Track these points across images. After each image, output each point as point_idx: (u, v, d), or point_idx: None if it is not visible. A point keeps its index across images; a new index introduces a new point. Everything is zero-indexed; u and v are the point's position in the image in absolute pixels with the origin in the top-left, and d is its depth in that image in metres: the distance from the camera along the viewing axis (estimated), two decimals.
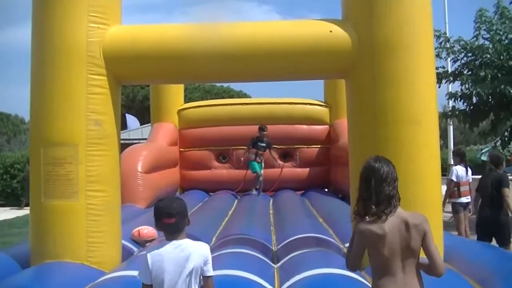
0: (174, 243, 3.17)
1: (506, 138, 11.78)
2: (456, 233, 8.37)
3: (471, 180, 8.90)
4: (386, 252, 2.95)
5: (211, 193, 11.99)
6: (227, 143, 11.98)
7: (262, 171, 11.34)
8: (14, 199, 19.11)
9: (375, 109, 4.97)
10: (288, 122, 11.89)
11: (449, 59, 12.19)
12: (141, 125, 24.56)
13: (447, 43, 11.56)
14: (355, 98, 5.30)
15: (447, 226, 6.68)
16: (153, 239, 6.38)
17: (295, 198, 10.74)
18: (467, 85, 11.31)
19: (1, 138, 43.93)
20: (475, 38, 11.46)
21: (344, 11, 5.45)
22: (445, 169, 16.83)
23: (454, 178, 8.61)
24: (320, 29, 5.31)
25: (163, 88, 11.74)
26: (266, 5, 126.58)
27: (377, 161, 3.08)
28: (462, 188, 8.63)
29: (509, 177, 7.96)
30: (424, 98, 5.00)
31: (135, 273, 3.35)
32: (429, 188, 4.95)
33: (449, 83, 11.90)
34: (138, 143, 13.10)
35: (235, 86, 40.13)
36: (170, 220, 3.15)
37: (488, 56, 11.09)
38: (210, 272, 3.21)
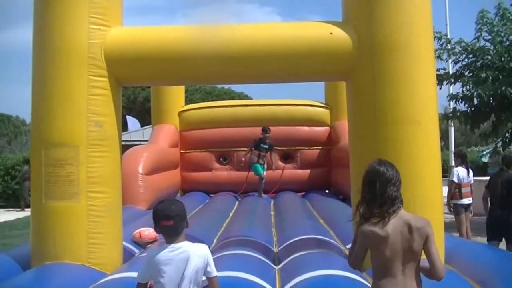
0: (174, 246, 3.16)
1: (507, 140, 11.75)
2: (457, 234, 8.36)
3: (472, 182, 8.90)
4: (387, 253, 2.95)
5: (212, 195, 11.98)
6: (228, 144, 11.98)
7: (264, 173, 11.34)
8: (15, 201, 19.10)
9: (375, 109, 4.97)
10: (289, 124, 11.89)
11: (450, 60, 12.17)
12: (142, 126, 24.60)
13: (448, 45, 11.55)
14: (355, 99, 5.30)
15: (448, 227, 6.66)
16: (154, 241, 6.37)
17: (296, 200, 10.72)
18: (468, 87, 11.30)
19: (2, 139, 43.96)
20: (476, 40, 11.45)
21: (344, 13, 5.46)
22: (446, 171, 16.85)
23: (455, 180, 8.61)
24: (321, 31, 5.31)
25: (164, 89, 11.74)
26: (268, 6, 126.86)
27: (381, 164, 3.08)
28: (463, 190, 8.64)
29: None
30: (424, 98, 5.00)
31: (136, 274, 3.36)
32: (429, 188, 4.94)
33: (450, 84, 11.88)
34: (139, 144, 13.09)
35: (236, 87, 40.27)
36: (168, 222, 3.15)
37: (489, 57, 11.08)
38: (214, 272, 3.21)
